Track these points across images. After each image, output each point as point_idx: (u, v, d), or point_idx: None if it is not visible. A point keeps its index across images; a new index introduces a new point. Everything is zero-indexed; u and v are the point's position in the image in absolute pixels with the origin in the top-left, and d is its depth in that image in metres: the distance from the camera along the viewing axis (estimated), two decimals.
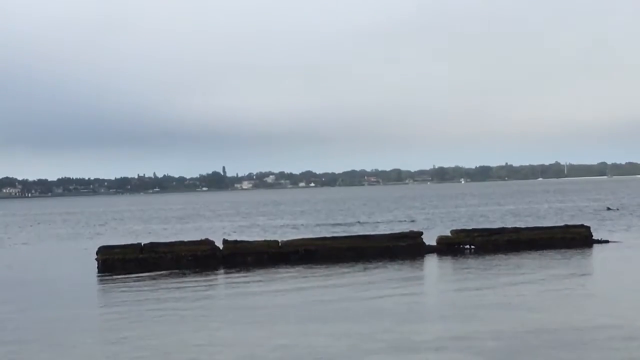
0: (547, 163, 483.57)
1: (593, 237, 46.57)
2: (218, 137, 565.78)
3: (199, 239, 46.59)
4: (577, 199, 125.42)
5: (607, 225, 61.19)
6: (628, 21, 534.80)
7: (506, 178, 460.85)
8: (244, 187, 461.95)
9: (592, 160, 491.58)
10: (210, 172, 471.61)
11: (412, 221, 77.80)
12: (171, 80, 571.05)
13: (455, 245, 44.84)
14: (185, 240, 45.89)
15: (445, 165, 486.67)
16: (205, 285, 34.03)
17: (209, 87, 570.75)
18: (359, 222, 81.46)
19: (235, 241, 44.15)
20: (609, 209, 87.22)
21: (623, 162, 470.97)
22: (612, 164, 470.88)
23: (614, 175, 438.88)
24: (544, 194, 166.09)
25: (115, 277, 37.55)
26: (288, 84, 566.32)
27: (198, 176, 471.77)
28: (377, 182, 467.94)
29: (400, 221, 78.95)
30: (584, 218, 69.27)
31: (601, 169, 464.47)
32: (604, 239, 47.60)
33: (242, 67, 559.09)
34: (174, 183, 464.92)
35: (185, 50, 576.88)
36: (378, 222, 78.58)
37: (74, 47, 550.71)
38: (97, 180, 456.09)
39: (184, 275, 37.37)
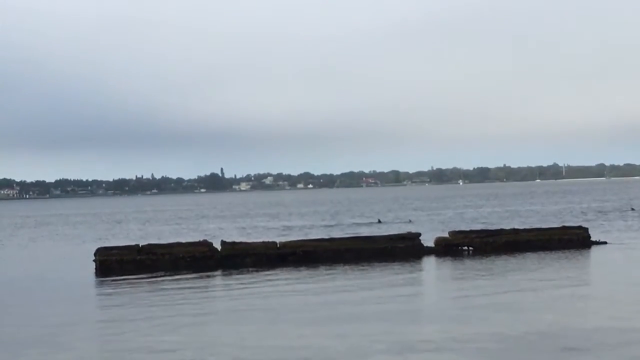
0: (545, 164, 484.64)
1: (591, 239, 46.60)
2: (216, 138, 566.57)
3: (197, 240, 46.65)
4: (592, 199, 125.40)
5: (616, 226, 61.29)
6: (628, 23, 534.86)
7: (504, 179, 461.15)
8: (242, 188, 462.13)
9: (591, 161, 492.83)
10: (208, 173, 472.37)
11: (410, 222, 77.78)
12: (169, 82, 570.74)
13: (454, 247, 44.81)
14: (183, 241, 45.88)
15: (444, 167, 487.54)
16: (203, 287, 34.00)
17: (207, 89, 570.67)
18: (379, 220, 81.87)
19: (234, 242, 44.09)
20: (633, 209, 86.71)
21: (621, 164, 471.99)
22: (611, 165, 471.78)
23: (612, 176, 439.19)
24: (555, 194, 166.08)
25: (113, 278, 37.49)
26: (286, 85, 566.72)
27: (196, 177, 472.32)
28: (375, 183, 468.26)
29: (399, 222, 78.92)
30: (604, 218, 69.23)
31: (599, 171, 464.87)
32: (602, 240, 47.61)
33: (240, 70, 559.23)
34: (172, 184, 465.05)
35: (185, 52, 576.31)
36: (377, 223, 78.50)
37: (77, 45, 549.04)
38: (95, 181, 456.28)
39: (182, 276, 37.30)
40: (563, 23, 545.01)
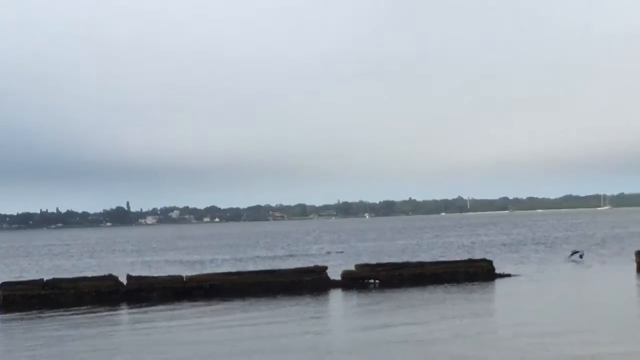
0: (450, 198, 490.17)
1: (495, 271, 47.35)
2: (122, 171, 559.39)
3: (102, 274, 46.16)
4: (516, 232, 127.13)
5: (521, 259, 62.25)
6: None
7: (410, 213, 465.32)
8: (148, 222, 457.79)
9: (494, 195, 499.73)
10: (114, 207, 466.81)
11: (319, 255, 77.90)
12: (74, 113, 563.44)
13: (360, 280, 45.08)
14: (89, 275, 45.39)
15: (350, 200, 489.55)
16: (109, 322, 33.61)
17: (114, 121, 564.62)
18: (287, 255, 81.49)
19: (139, 276, 43.79)
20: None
21: (524, 197, 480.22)
22: (514, 198, 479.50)
23: (515, 210, 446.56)
24: (461, 228, 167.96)
25: (16, 314, 36.84)
26: (193, 117, 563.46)
27: (102, 211, 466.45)
28: (282, 217, 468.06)
29: (307, 255, 79.01)
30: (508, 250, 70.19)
31: (503, 204, 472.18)
32: (505, 272, 48.37)
33: (149, 102, 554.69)
34: (78, 218, 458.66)
35: (94, 83, 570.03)
36: (285, 256, 78.53)
37: None
38: None
39: (86, 311, 36.84)
40: (478, 64, 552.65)
